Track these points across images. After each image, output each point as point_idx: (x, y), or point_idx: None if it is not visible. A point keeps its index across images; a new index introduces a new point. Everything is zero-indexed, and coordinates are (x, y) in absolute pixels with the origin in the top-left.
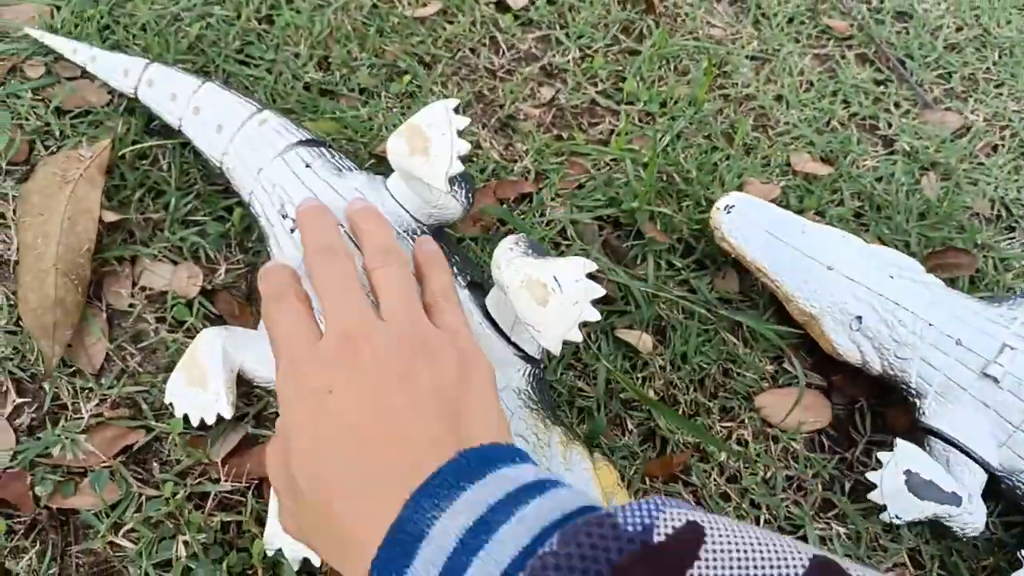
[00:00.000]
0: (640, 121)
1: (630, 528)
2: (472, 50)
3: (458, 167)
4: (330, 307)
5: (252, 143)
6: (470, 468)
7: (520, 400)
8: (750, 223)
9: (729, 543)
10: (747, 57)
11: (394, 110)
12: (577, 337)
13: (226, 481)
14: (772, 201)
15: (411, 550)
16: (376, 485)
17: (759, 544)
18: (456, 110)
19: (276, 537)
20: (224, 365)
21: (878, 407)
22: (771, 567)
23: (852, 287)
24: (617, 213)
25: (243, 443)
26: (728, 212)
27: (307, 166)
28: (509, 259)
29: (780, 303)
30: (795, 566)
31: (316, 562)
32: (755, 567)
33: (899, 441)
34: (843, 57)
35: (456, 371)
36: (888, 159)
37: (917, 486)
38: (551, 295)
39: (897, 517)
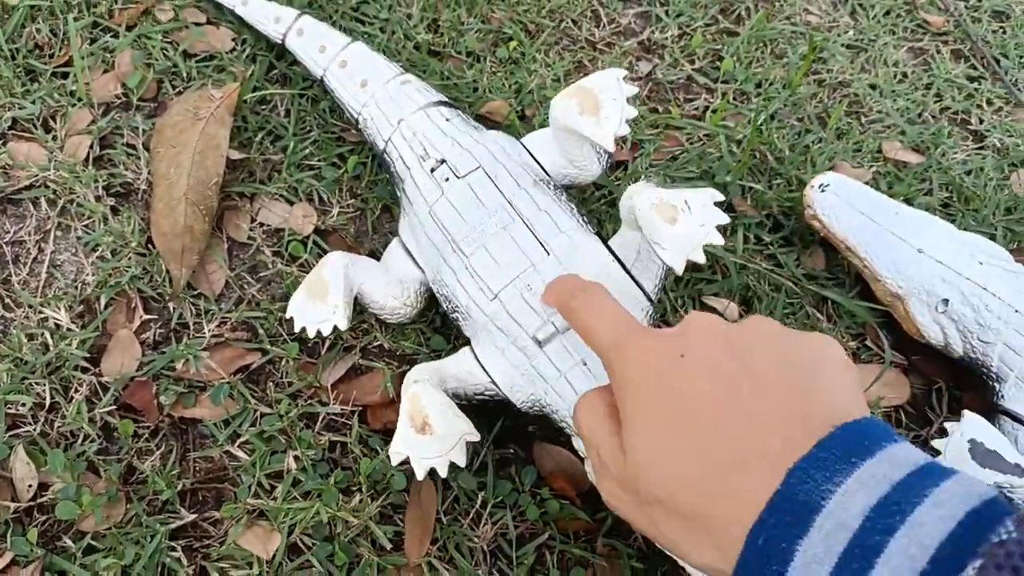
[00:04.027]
0: (735, 100)
1: None
2: (574, 21)
3: (626, 130)
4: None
5: (394, 98)
6: (855, 443)
7: None
8: (843, 203)
9: None
10: (843, 45)
11: (498, 74)
12: (700, 258)
13: (334, 404)
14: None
15: (805, 521)
16: (752, 459)
17: None
18: (626, 79)
19: (402, 447)
20: (345, 283)
21: (956, 389)
22: None
23: (941, 270)
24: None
25: (350, 372)
26: (822, 191)
27: (447, 120)
28: (642, 188)
29: (865, 283)
30: None
31: (443, 472)
32: None
33: (966, 412)
34: (938, 52)
35: (804, 352)
36: (978, 154)
37: (981, 455)
38: (680, 215)
39: None
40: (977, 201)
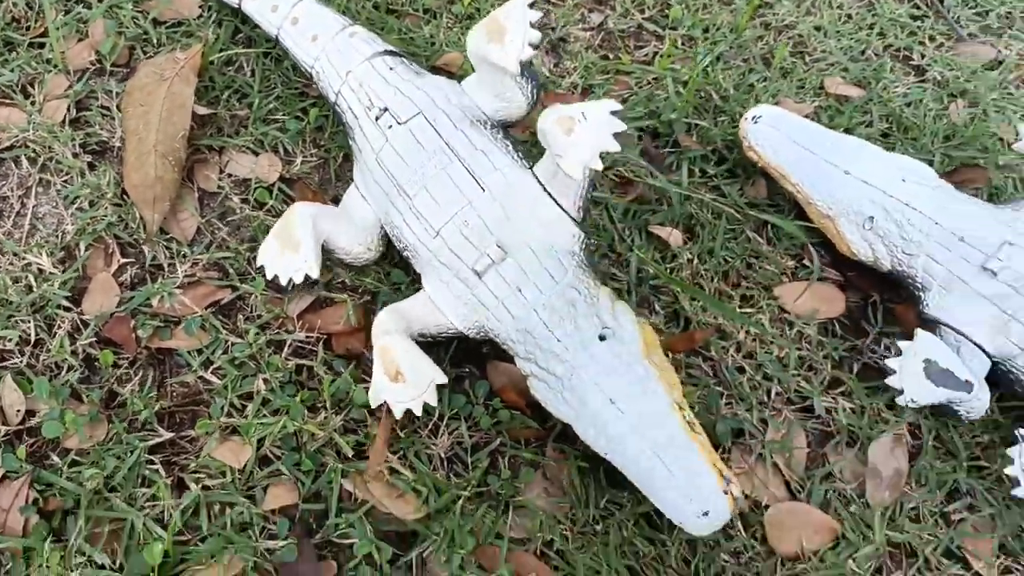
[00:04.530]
0: (683, 45)
1: None
2: None
3: (529, 52)
4: None
5: (342, 50)
6: None
7: (574, 260)
8: (775, 132)
9: None
10: None
11: (454, 29)
12: (598, 165)
13: (300, 332)
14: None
15: None
16: None
17: None
18: (531, 5)
19: (380, 393)
20: (314, 234)
21: (889, 303)
22: None
23: (867, 190)
24: (656, 124)
25: (315, 304)
26: (755, 122)
27: (391, 69)
28: (550, 109)
29: (802, 208)
30: None
31: (418, 412)
32: None
33: (920, 332)
34: None
35: None
36: (919, 87)
37: (935, 374)
38: (576, 125)
39: (912, 401)
40: (916, 130)
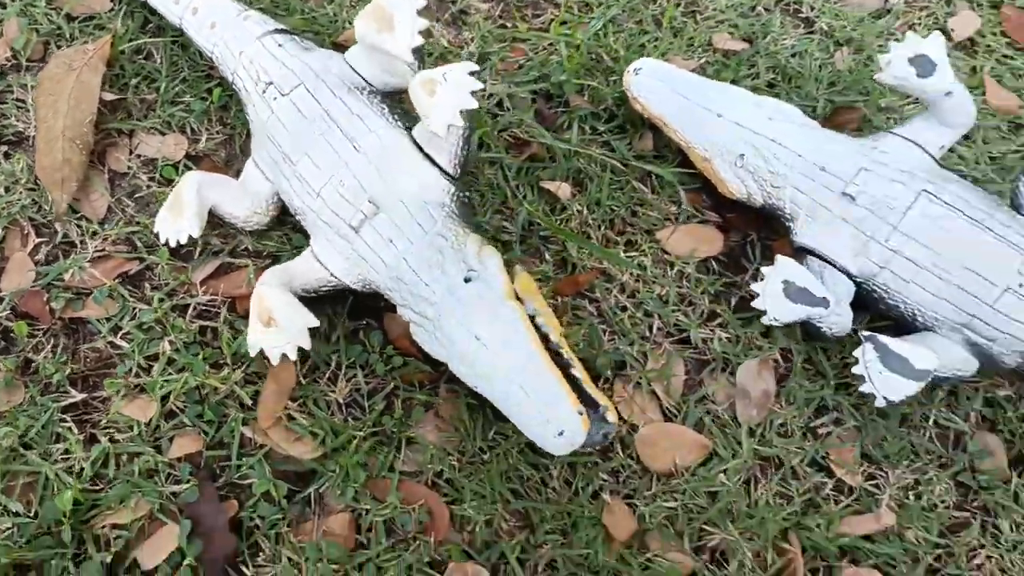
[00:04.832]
0: (579, 11)
1: None
2: None
3: (419, 40)
4: None
5: (236, 33)
6: None
7: (444, 211)
8: (655, 82)
9: None
10: None
11: (356, 7)
12: (459, 121)
13: (203, 295)
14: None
15: None
16: None
17: None
18: None
19: (256, 340)
20: (198, 199)
21: (767, 240)
22: None
23: (737, 130)
24: (548, 87)
25: (219, 270)
26: (636, 74)
27: (280, 46)
28: (417, 75)
29: (687, 156)
30: None
31: (292, 356)
32: None
33: (779, 256)
34: None
35: None
36: (807, 38)
37: (793, 293)
38: (438, 86)
39: (775, 319)
40: (801, 79)
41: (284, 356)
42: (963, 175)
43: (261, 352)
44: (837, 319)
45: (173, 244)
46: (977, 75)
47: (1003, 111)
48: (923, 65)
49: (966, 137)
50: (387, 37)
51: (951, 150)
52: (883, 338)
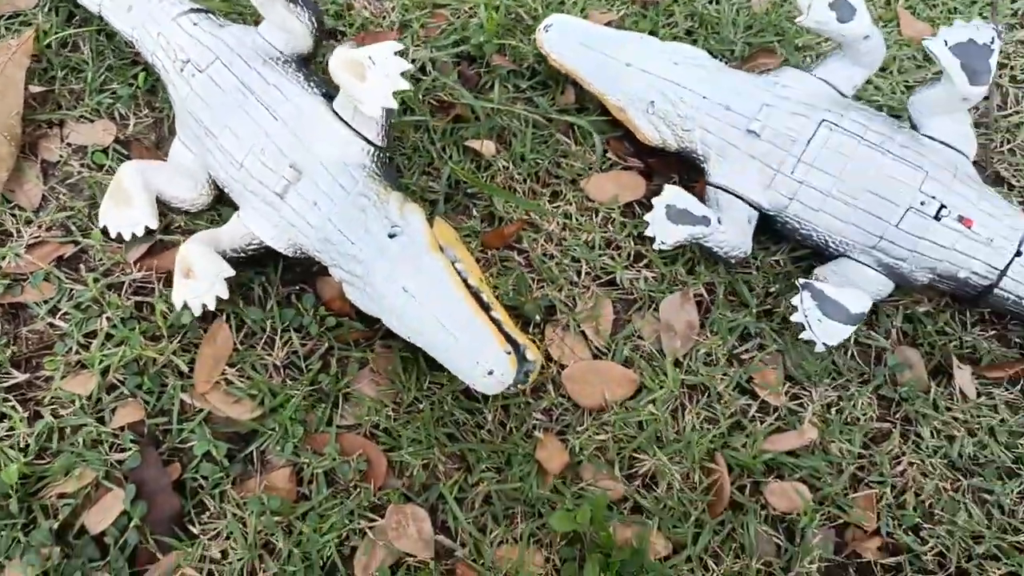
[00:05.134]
0: None
1: None
2: None
3: (393, 103)
4: None
5: (153, 15)
6: None
7: (364, 172)
8: (566, 37)
9: None
10: None
11: None
12: (392, 104)
13: (138, 272)
14: (608, 26)
15: None
16: None
17: None
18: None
19: (178, 292)
20: (144, 188)
21: (691, 182)
22: None
23: (646, 78)
24: (470, 49)
25: (153, 248)
26: (547, 31)
27: (195, 24)
28: (338, 51)
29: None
30: None
31: (212, 305)
32: None
33: (666, 186)
34: None
35: None
36: None
37: (674, 215)
38: (367, 70)
39: (663, 243)
40: (719, 25)
41: (205, 307)
42: (879, 105)
43: (192, 315)
44: (725, 238)
45: (128, 238)
46: (891, 8)
47: (917, 41)
48: (843, 9)
49: (882, 68)
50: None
51: (869, 81)
52: (819, 285)
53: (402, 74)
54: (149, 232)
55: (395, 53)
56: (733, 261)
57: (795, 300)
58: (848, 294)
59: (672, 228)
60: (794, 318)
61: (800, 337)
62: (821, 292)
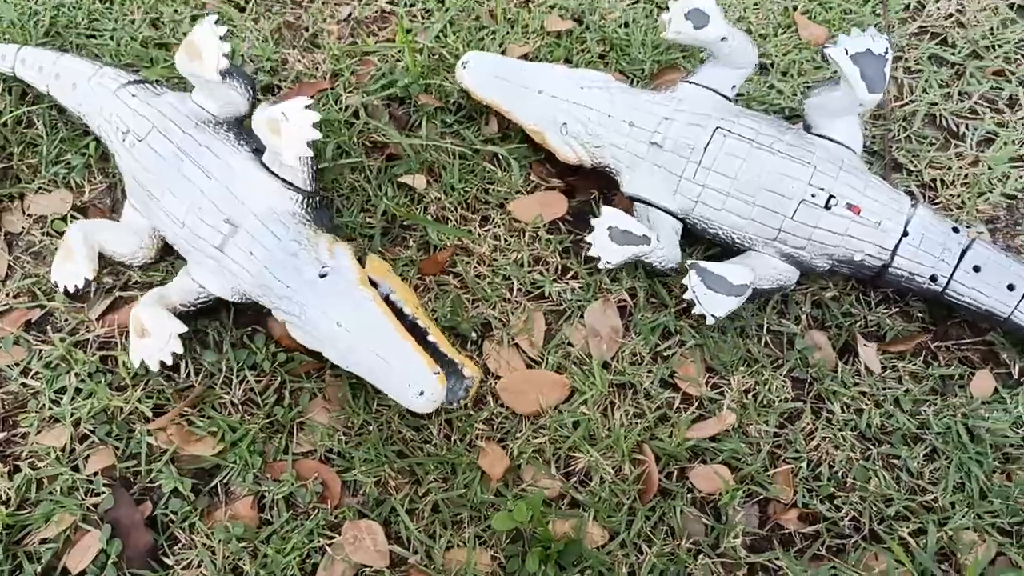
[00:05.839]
0: (422, 18)
1: None
2: None
3: (224, 63)
4: None
5: (95, 91)
6: None
7: (295, 219)
8: (482, 72)
9: None
10: None
11: None
12: (307, 152)
13: (101, 329)
14: (523, 57)
15: None
16: None
17: None
18: (217, 22)
19: (136, 351)
20: (85, 245)
21: (610, 196)
22: None
23: (556, 103)
24: (398, 91)
25: (113, 304)
26: (464, 67)
27: (133, 96)
28: (259, 110)
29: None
30: None
31: (169, 361)
32: None
33: (604, 207)
34: None
35: None
36: (632, 8)
37: (616, 235)
38: (281, 125)
39: (608, 262)
40: (629, 47)
41: (162, 364)
42: (781, 107)
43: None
44: (663, 253)
45: (72, 290)
46: (788, 15)
47: (815, 44)
48: (697, 17)
49: (783, 72)
50: (197, 65)
51: (771, 86)
52: (704, 263)
53: (313, 124)
54: (88, 282)
55: (305, 107)
56: (669, 273)
57: (686, 279)
58: (729, 268)
59: (615, 248)
60: (685, 296)
61: (693, 313)
62: (705, 268)
